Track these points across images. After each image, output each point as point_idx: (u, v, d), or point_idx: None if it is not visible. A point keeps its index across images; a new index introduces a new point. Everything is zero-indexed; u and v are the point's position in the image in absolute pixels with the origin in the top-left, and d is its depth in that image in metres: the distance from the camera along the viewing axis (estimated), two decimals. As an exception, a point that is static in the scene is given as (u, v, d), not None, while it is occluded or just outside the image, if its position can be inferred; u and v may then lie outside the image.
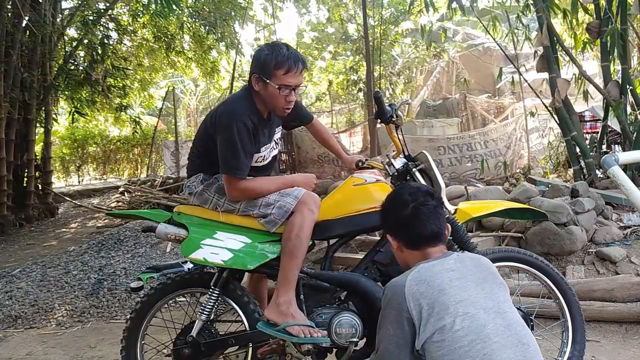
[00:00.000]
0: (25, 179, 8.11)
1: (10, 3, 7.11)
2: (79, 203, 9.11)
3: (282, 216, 2.07)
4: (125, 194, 8.99)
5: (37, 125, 8.52)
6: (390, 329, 1.44)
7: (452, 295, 1.41)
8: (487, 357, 1.33)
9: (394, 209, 1.67)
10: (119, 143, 15.88)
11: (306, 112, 2.53)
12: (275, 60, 2.03)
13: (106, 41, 8.66)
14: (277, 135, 2.35)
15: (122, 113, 9.85)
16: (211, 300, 2.17)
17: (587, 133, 7.98)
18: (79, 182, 15.22)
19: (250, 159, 2.12)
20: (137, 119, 10.36)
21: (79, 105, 9.01)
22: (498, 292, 1.49)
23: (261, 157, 2.25)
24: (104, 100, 9.43)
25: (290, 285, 2.03)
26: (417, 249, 1.61)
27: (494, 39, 7.52)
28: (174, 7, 6.96)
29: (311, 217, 2.06)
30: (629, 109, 5.64)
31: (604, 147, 6.17)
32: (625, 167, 4.26)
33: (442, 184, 2.18)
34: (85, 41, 8.73)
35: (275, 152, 2.36)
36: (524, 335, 1.41)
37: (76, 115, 9.02)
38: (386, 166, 2.30)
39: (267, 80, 2.05)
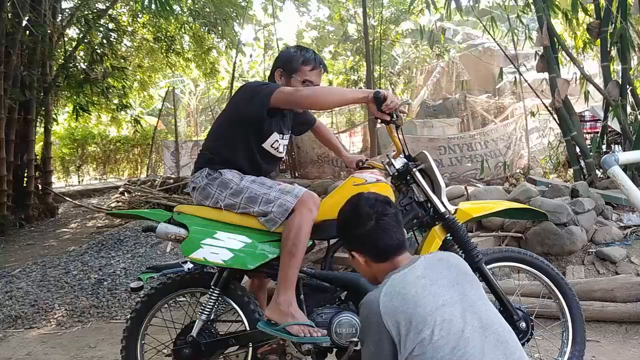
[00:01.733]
0: (25, 179, 8.11)
1: (10, 3, 7.10)
2: (79, 203, 9.11)
3: (282, 215, 2.07)
4: (125, 194, 8.99)
5: (37, 125, 8.52)
6: (370, 347, 1.43)
7: (427, 304, 1.38)
8: None
9: (356, 224, 1.61)
10: (118, 143, 15.88)
11: (310, 115, 2.64)
12: (303, 57, 2.24)
13: (105, 41, 8.65)
14: (287, 137, 2.40)
15: (119, 113, 9.83)
16: (211, 300, 2.17)
17: (587, 133, 7.98)
18: (79, 182, 15.22)
19: None
20: (138, 118, 10.35)
21: (78, 106, 9.01)
22: (470, 291, 1.47)
23: (277, 143, 2.29)
24: (104, 100, 9.42)
25: (290, 284, 2.04)
26: (385, 260, 1.58)
27: (494, 39, 7.53)
28: (170, 8, 6.96)
29: (310, 217, 2.06)
30: (629, 109, 5.64)
31: (604, 147, 6.17)
32: (625, 167, 4.25)
33: (442, 184, 2.17)
34: (85, 41, 8.74)
35: (284, 153, 2.41)
36: (501, 332, 1.40)
37: (81, 112, 9.00)
38: (386, 166, 2.30)
39: (293, 75, 2.22)
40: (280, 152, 2.35)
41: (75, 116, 9.04)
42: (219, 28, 9.86)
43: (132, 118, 10.26)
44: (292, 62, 2.24)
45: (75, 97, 9.06)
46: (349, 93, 2.24)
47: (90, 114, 10.04)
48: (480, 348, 1.33)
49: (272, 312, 2.03)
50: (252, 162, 2.26)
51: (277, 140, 2.28)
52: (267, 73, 2.53)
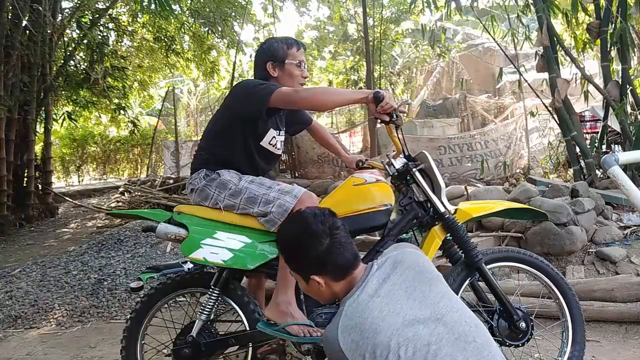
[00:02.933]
0: (25, 179, 8.11)
1: (9, 3, 7.10)
2: (79, 203, 9.11)
3: (281, 215, 2.06)
4: (125, 194, 8.98)
5: (37, 125, 8.52)
6: None
7: (386, 329, 1.31)
8: None
9: (311, 245, 1.48)
10: (118, 143, 15.88)
11: (306, 115, 2.63)
12: (286, 43, 2.28)
13: (105, 41, 8.66)
14: (283, 133, 2.39)
15: (119, 113, 9.84)
16: (211, 300, 2.17)
17: (587, 133, 7.99)
18: (79, 182, 15.22)
19: None
20: (134, 120, 10.35)
21: (76, 106, 9.04)
22: (430, 293, 1.39)
23: (275, 139, 2.28)
24: (103, 101, 9.42)
25: (289, 285, 2.03)
26: (343, 278, 1.48)
27: (494, 39, 7.53)
28: (169, 7, 6.95)
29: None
30: (629, 109, 5.64)
31: (604, 147, 6.16)
32: (625, 167, 4.25)
33: (442, 184, 2.18)
34: (85, 41, 8.74)
35: (281, 150, 2.40)
36: (468, 332, 1.33)
37: (67, 119, 9.06)
38: (386, 166, 2.30)
39: (285, 62, 2.24)
40: (278, 149, 2.35)
41: (61, 123, 9.08)
42: (219, 28, 9.86)
43: (129, 120, 10.26)
44: (279, 51, 2.26)
45: (75, 97, 9.08)
46: (349, 93, 2.24)
47: (76, 122, 10.08)
48: (449, 356, 1.27)
49: (271, 312, 2.03)
50: (251, 161, 2.25)
51: (274, 137, 2.28)
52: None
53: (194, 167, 2.28)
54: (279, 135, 2.32)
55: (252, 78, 2.33)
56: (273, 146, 2.30)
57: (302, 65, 2.29)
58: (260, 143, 2.24)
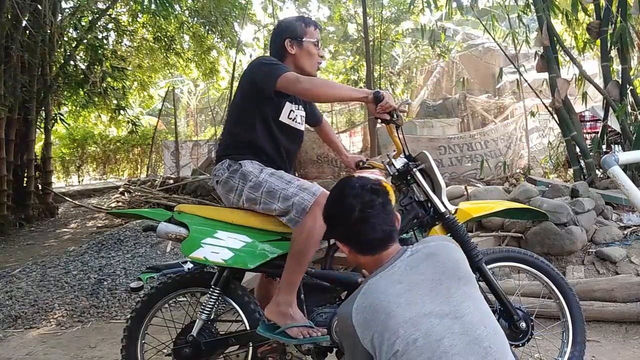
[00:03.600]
0: (25, 179, 8.11)
1: (10, 3, 7.10)
2: (79, 203, 9.11)
3: (301, 214, 2.03)
4: (125, 194, 8.99)
5: (37, 125, 8.53)
6: (351, 357, 1.39)
7: (399, 316, 1.30)
8: None
9: (339, 215, 1.50)
10: (118, 143, 15.88)
11: (318, 113, 2.60)
12: (303, 22, 2.27)
13: (105, 41, 8.67)
14: (302, 108, 2.35)
15: (119, 113, 9.85)
16: (211, 300, 2.17)
17: (587, 133, 7.99)
18: (79, 182, 15.23)
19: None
20: (134, 120, 10.36)
21: (76, 106, 9.06)
22: (456, 292, 1.36)
23: (293, 113, 2.25)
24: (102, 101, 9.43)
25: (293, 287, 2.02)
26: (370, 254, 1.48)
27: (494, 39, 7.53)
28: (170, 7, 6.96)
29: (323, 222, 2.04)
30: (629, 109, 5.64)
31: (604, 147, 6.16)
32: (625, 167, 4.25)
33: (443, 184, 2.17)
34: (85, 41, 8.74)
35: (303, 126, 2.37)
36: (485, 337, 1.30)
37: (58, 120, 9.11)
38: (387, 166, 2.29)
39: (303, 39, 2.22)
40: (299, 124, 2.31)
41: (53, 124, 9.11)
42: (219, 28, 9.86)
43: (129, 119, 10.25)
44: (297, 28, 2.23)
45: (74, 97, 9.08)
46: (349, 90, 2.20)
47: (67, 123, 10.14)
48: (459, 356, 1.25)
49: (271, 312, 2.02)
50: (273, 140, 2.21)
51: (292, 110, 2.24)
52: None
53: (218, 156, 2.28)
54: (298, 109, 2.28)
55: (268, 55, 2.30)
56: (293, 120, 2.25)
57: (319, 45, 2.27)
58: (280, 119, 2.21)
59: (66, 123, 9.77)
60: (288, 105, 2.22)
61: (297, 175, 2.54)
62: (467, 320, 1.31)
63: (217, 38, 10.70)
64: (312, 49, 2.23)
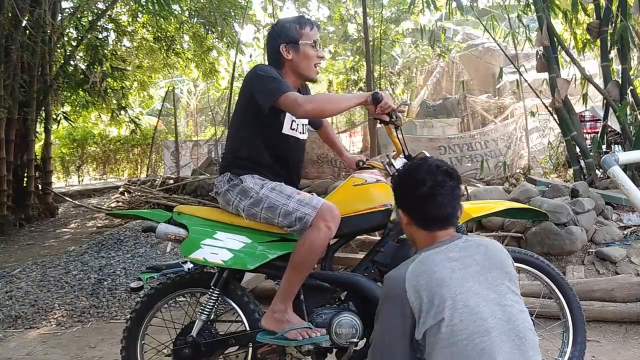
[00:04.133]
0: (25, 179, 8.11)
1: (9, 3, 7.10)
2: (79, 203, 9.11)
3: (305, 227, 2.01)
4: (125, 194, 8.99)
5: (37, 125, 8.53)
6: (390, 320, 1.43)
7: (452, 287, 1.38)
8: (484, 351, 1.32)
9: (409, 185, 1.59)
10: (118, 143, 15.89)
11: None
12: (298, 23, 2.17)
13: (105, 41, 8.66)
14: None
15: (119, 113, 9.85)
16: (211, 301, 2.16)
17: (587, 133, 7.98)
18: (79, 182, 15.23)
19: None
20: (135, 120, 10.35)
21: (75, 107, 9.06)
22: (502, 283, 1.45)
23: (295, 123, 2.20)
24: (102, 101, 9.44)
25: (289, 296, 2.01)
26: (426, 229, 1.57)
27: (494, 39, 7.53)
28: (168, 7, 6.95)
29: (327, 234, 1.97)
30: (628, 109, 5.63)
31: (604, 147, 6.16)
32: (625, 167, 4.25)
33: (443, 184, 2.17)
34: (84, 41, 8.74)
35: (306, 135, 2.33)
36: (522, 328, 1.39)
37: (61, 120, 9.09)
38: (386, 166, 2.29)
39: (299, 42, 2.14)
40: (302, 133, 2.27)
41: (57, 124, 9.11)
42: (219, 28, 9.86)
43: (130, 119, 10.25)
44: (291, 31, 2.15)
45: (74, 97, 9.08)
46: (348, 99, 2.15)
47: (72, 122, 10.14)
48: (499, 340, 1.33)
49: (268, 321, 2.02)
50: (276, 154, 2.18)
51: (293, 121, 2.19)
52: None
53: (221, 169, 2.25)
54: (299, 119, 2.23)
55: (266, 64, 2.22)
56: (295, 130, 2.21)
57: (317, 45, 2.19)
58: (282, 132, 2.16)
59: (70, 122, 9.73)
60: (289, 117, 2.17)
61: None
62: (509, 310, 1.40)
63: (217, 38, 10.71)
64: (309, 51, 2.15)
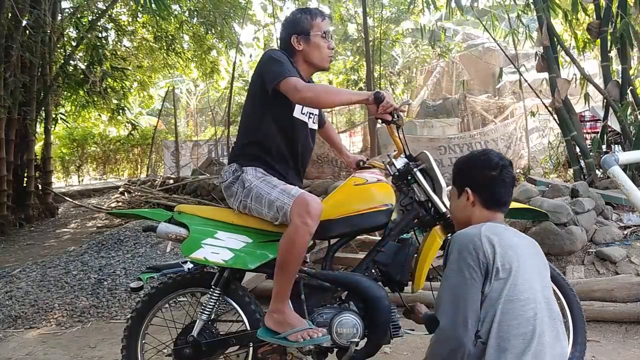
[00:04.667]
0: (25, 179, 8.11)
1: (9, 3, 7.09)
2: (79, 203, 9.11)
3: (286, 218, 2.02)
4: (125, 194, 8.99)
5: (37, 125, 8.53)
6: (463, 272, 1.50)
7: (518, 252, 1.52)
8: (537, 317, 1.46)
9: (483, 167, 1.70)
10: (118, 143, 15.88)
11: (323, 115, 2.58)
12: (309, 14, 2.20)
13: (104, 41, 8.66)
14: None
15: (118, 114, 9.85)
16: (212, 300, 2.16)
17: (587, 133, 7.98)
18: (78, 182, 15.23)
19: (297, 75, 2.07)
20: (133, 122, 10.36)
21: (75, 107, 9.06)
22: (544, 271, 1.62)
23: (306, 109, 2.20)
24: (102, 102, 9.44)
25: (283, 295, 2.00)
26: (490, 209, 1.69)
27: (494, 39, 7.54)
28: (166, 7, 6.95)
29: (304, 230, 1.93)
30: (628, 109, 5.63)
31: (604, 147, 6.16)
32: (625, 167, 4.25)
33: (443, 184, 2.18)
34: (84, 41, 8.74)
35: (316, 126, 2.34)
36: (558, 319, 1.55)
37: (59, 120, 9.10)
38: (387, 166, 2.30)
39: (310, 33, 2.17)
40: (313, 123, 2.28)
41: (54, 124, 9.11)
42: (218, 28, 9.86)
43: (128, 120, 10.25)
44: (302, 22, 2.18)
45: (74, 97, 9.08)
46: (349, 94, 2.18)
47: (68, 125, 10.14)
48: (544, 314, 1.48)
49: (269, 320, 2.02)
50: (287, 137, 2.17)
51: (307, 110, 2.21)
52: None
53: (229, 159, 2.26)
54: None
55: (279, 49, 2.23)
56: (305, 116, 2.21)
57: (328, 36, 2.20)
58: (294, 115, 2.17)
59: (67, 122, 9.74)
60: (299, 107, 2.18)
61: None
62: (550, 301, 1.56)
63: (217, 38, 10.71)
64: (320, 42, 2.17)
